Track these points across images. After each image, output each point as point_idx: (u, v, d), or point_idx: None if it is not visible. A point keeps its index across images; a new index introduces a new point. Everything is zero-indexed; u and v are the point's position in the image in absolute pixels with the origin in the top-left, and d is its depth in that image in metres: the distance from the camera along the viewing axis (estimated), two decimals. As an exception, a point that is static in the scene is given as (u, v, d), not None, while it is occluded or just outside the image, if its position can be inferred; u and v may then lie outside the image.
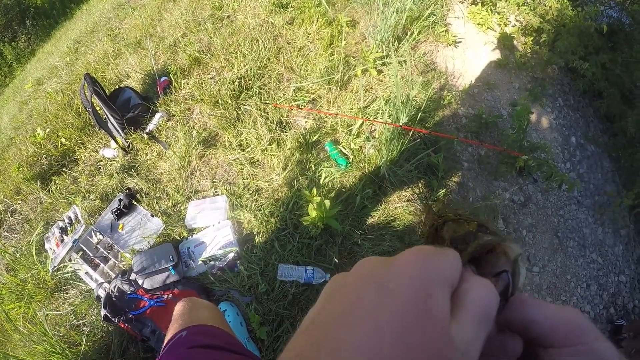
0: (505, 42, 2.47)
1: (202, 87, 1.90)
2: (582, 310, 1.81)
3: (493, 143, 2.09)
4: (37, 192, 2.00)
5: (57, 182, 1.97)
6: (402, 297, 0.19)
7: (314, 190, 1.52)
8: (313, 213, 1.48)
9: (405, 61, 2.09)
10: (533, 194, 2.06)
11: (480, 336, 0.20)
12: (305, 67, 1.95)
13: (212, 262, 1.49)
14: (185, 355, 0.66)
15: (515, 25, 2.53)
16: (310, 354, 0.18)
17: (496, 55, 2.44)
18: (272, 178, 1.61)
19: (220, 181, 1.64)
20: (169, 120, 1.86)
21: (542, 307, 0.24)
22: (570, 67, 2.41)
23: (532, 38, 2.43)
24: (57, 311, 1.66)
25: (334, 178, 1.60)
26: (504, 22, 2.53)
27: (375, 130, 1.79)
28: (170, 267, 1.48)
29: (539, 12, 2.36)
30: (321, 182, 1.59)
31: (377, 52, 2.01)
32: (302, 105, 1.81)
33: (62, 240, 1.77)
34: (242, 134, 1.72)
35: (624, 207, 2.12)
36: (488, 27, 2.53)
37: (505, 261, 0.26)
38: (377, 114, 1.78)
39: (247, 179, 1.61)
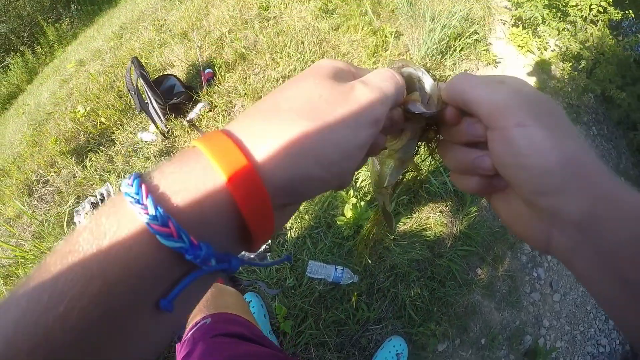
0: (543, 67, 2.47)
1: (246, 82, 1.94)
2: (598, 344, 1.76)
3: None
4: (71, 166, 2.04)
5: (92, 159, 2.00)
6: (319, 70, 0.26)
7: (351, 192, 1.53)
8: (349, 213, 1.48)
9: (447, 75, 2.11)
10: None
11: (381, 88, 0.26)
12: (348, 72, 1.97)
13: (242, 252, 1.49)
14: (209, 344, 0.65)
15: (555, 50, 2.54)
16: (260, 106, 0.24)
17: (534, 78, 2.44)
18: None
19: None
20: (210, 111, 1.90)
21: (472, 85, 0.26)
22: (606, 97, 2.40)
23: (570, 64, 2.42)
24: (79, 285, 1.68)
25: (370, 182, 1.61)
26: (544, 46, 2.53)
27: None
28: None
29: (579, 38, 2.37)
30: (357, 184, 1.59)
31: (420, 65, 2.03)
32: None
33: (93, 215, 1.80)
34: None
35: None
36: (528, 50, 2.53)
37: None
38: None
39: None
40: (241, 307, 0.85)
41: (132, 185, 0.19)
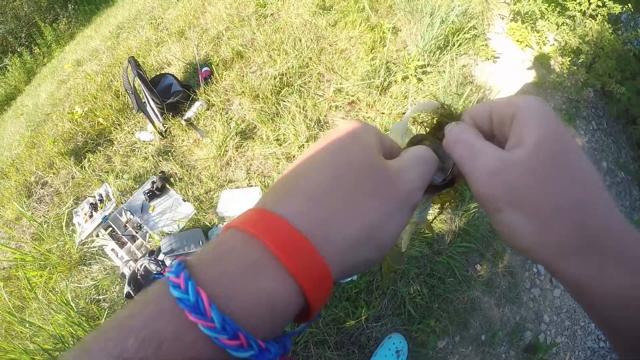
0: (542, 61, 2.46)
1: (244, 80, 1.93)
2: (599, 339, 1.76)
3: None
4: (70, 167, 2.04)
5: (90, 159, 2.00)
6: (336, 134, 0.26)
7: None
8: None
9: (445, 71, 2.10)
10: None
11: (420, 174, 0.26)
12: (346, 69, 1.96)
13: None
14: None
15: (554, 44, 2.52)
16: (279, 185, 0.24)
17: (533, 73, 2.42)
18: (306, 174, 1.61)
19: (255, 173, 1.65)
20: (208, 109, 1.89)
21: (472, 161, 0.27)
22: (605, 91, 2.39)
23: (569, 59, 2.41)
24: (79, 284, 1.68)
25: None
26: (543, 41, 2.51)
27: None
28: (198, 252, 1.49)
29: (578, 32, 2.35)
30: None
31: (418, 61, 2.02)
32: (352, 102, 1.83)
33: (91, 216, 1.79)
34: (280, 128, 1.73)
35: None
36: (527, 45, 2.52)
37: None
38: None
39: (282, 174, 1.62)
40: None
41: (185, 291, 0.17)
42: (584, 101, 2.49)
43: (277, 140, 1.70)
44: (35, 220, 1.90)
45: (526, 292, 1.69)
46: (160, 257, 1.55)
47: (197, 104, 1.88)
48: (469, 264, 1.64)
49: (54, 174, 2.11)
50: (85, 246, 1.74)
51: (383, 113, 1.74)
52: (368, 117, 1.82)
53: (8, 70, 4.92)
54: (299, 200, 0.22)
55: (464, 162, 0.26)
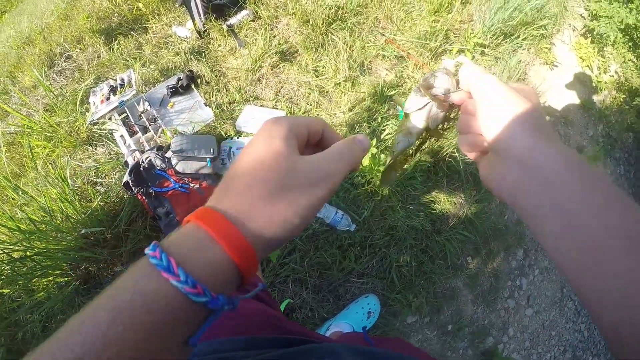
0: (596, 88, 2.33)
1: (298, 1, 1.81)
2: None
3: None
4: (98, 45, 1.96)
5: (121, 42, 1.92)
6: (255, 137, 0.32)
7: (374, 141, 1.45)
8: (365, 162, 1.41)
9: (502, 58, 1.98)
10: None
11: (340, 166, 0.33)
12: (404, 23, 1.83)
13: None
14: None
15: (614, 76, 2.39)
16: (221, 187, 0.31)
17: (583, 95, 2.30)
18: (335, 114, 1.53)
19: (283, 97, 1.58)
20: (253, 20, 1.78)
21: (468, 80, 0.40)
22: (645, 141, 2.28)
23: (624, 96, 2.30)
24: (80, 163, 1.64)
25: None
26: (605, 69, 2.38)
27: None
28: (208, 159, 1.44)
29: None
30: (382, 136, 1.51)
31: (479, 39, 1.90)
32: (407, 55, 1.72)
33: (108, 98, 1.73)
34: (321, 60, 1.63)
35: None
36: (587, 65, 2.38)
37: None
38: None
39: (311, 105, 1.54)
40: None
41: (160, 259, 0.25)
42: (621, 143, 2.38)
43: (316, 70, 1.61)
44: (51, 91, 1.84)
45: (502, 300, 1.68)
46: (168, 154, 1.51)
47: (243, 12, 1.77)
48: (462, 253, 1.60)
49: (80, 49, 2.04)
50: (95, 127, 1.70)
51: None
52: (414, 76, 1.72)
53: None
54: (230, 199, 0.30)
55: (479, 80, 0.38)
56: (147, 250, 0.26)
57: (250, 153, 0.31)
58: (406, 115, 0.46)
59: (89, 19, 2.11)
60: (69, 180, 1.47)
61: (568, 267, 0.29)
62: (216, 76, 1.66)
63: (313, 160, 0.32)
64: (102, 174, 1.63)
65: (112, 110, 1.68)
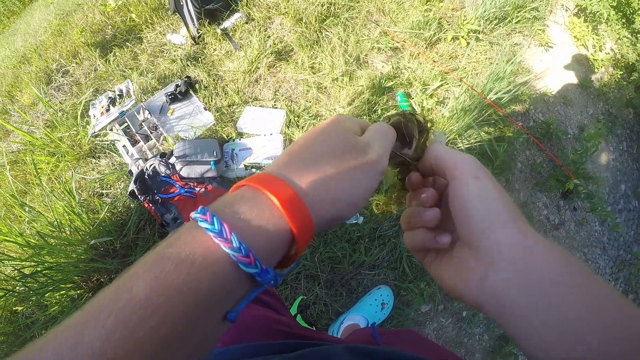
0: (592, 66, 2.33)
1: (289, 0, 1.81)
2: None
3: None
4: (94, 58, 1.97)
5: (117, 54, 1.93)
6: (324, 123, 0.34)
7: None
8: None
9: (497, 43, 1.98)
10: (568, 221, 1.97)
11: (382, 143, 0.33)
12: (397, 14, 1.84)
13: (254, 170, 1.44)
14: None
15: (609, 53, 2.38)
16: (303, 155, 0.30)
17: (580, 74, 2.30)
18: (335, 109, 1.54)
19: (282, 96, 1.58)
20: (246, 23, 1.79)
21: (444, 149, 0.35)
22: (646, 116, 2.27)
23: (621, 73, 2.29)
24: (84, 176, 1.65)
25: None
26: (600, 46, 2.38)
27: (448, 98, 1.70)
28: (211, 162, 1.44)
29: (638, 49, 2.21)
30: (384, 128, 1.51)
31: (473, 25, 1.90)
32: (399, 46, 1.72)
33: (108, 110, 1.74)
34: (317, 57, 1.63)
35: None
36: (582, 44, 2.38)
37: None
38: (460, 83, 1.69)
39: (310, 102, 1.54)
40: None
41: (212, 223, 0.23)
42: (622, 119, 2.37)
43: (312, 68, 1.61)
44: (51, 107, 1.85)
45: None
46: (172, 160, 1.51)
47: (236, 15, 1.78)
48: (477, 240, 1.59)
49: (77, 63, 2.05)
50: (97, 139, 1.70)
51: (435, 61, 1.63)
52: (409, 67, 1.72)
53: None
54: (295, 169, 0.28)
55: (446, 153, 0.35)
56: (194, 214, 0.24)
57: (317, 132, 0.32)
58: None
59: (83, 33, 2.11)
60: (74, 193, 1.48)
61: None
62: (214, 80, 1.66)
63: (368, 140, 0.33)
64: (107, 185, 1.63)
65: (113, 121, 1.69)
